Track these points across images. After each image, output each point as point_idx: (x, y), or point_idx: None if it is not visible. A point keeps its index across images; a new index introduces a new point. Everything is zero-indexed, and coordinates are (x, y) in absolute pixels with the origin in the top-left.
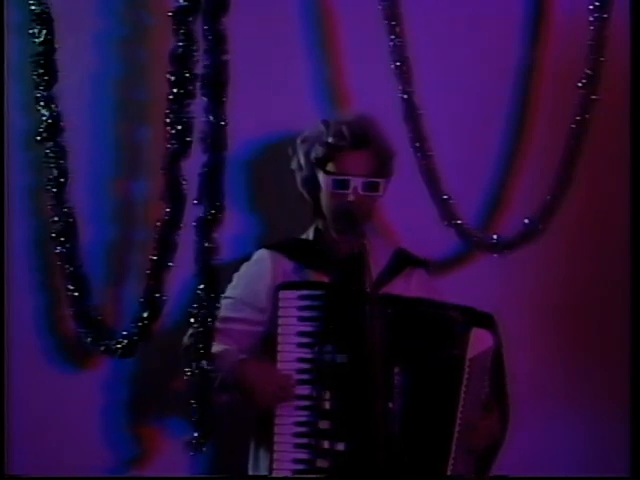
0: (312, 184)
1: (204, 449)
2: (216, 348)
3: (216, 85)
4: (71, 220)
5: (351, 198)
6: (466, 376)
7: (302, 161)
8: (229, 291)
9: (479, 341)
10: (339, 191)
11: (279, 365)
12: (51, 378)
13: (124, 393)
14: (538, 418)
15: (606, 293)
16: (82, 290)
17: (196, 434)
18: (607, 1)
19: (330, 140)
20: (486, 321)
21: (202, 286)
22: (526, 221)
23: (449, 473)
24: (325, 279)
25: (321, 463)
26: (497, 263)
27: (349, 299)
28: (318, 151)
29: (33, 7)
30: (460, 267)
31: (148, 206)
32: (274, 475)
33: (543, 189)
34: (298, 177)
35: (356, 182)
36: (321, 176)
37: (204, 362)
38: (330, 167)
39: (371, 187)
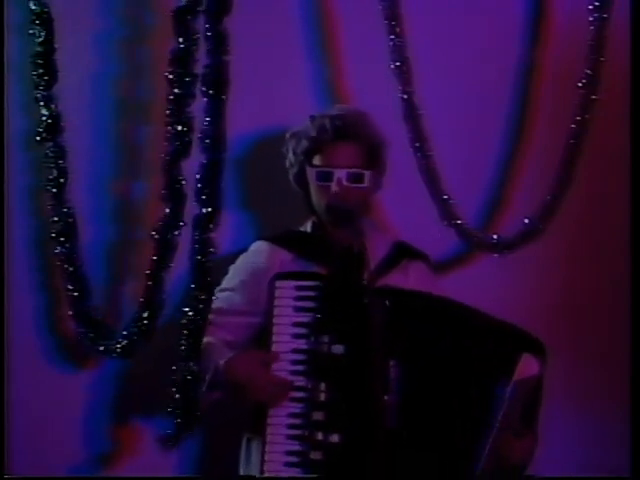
0: (302, 179)
1: (178, 445)
2: (209, 342)
3: (216, 85)
4: (71, 220)
5: (334, 189)
6: (507, 396)
7: (291, 157)
8: (225, 282)
9: (526, 366)
10: (323, 183)
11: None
12: (51, 378)
13: (124, 393)
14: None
15: (606, 293)
16: (82, 290)
17: (171, 430)
18: (607, 1)
19: (313, 133)
20: (536, 348)
21: (194, 285)
22: (526, 221)
23: None
24: (323, 271)
25: (314, 455)
26: (497, 263)
27: (345, 290)
28: (303, 145)
29: (33, 7)
30: (460, 267)
31: (148, 206)
32: (265, 468)
33: (543, 189)
34: (290, 174)
35: (340, 173)
36: (308, 170)
37: (191, 361)
38: (316, 160)
39: (356, 178)
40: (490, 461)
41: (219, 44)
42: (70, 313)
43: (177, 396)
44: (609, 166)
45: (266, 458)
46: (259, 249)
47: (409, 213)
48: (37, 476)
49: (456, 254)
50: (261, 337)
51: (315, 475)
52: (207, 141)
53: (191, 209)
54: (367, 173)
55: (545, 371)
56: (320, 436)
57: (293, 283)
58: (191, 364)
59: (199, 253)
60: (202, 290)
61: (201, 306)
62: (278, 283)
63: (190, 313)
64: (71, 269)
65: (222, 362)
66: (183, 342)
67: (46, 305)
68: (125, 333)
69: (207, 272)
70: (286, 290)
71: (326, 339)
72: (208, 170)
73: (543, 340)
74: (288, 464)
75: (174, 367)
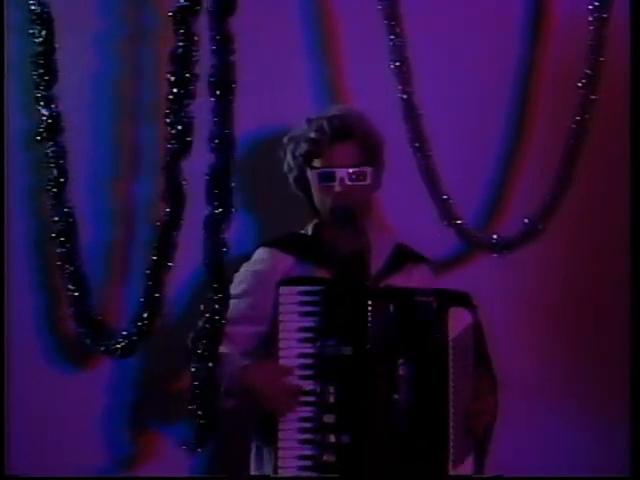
0: (303, 183)
1: (201, 449)
2: (223, 352)
3: (224, 86)
4: (71, 220)
5: (338, 189)
6: (451, 357)
7: (290, 161)
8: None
9: (458, 320)
10: (326, 184)
11: (281, 361)
12: (51, 378)
13: (123, 393)
14: (538, 418)
15: (606, 293)
16: (82, 290)
17: (194, 434)
18: (607, 1)
19: (312, 135)
20: (461, 299)
21: (211, 287)
22: (526, 221)
23: (451, 458)
24: (326, 274)
25: (327, 457)
26: (497, 263)
27: (348, 293)
28: (302, 148)
29: (33, 7)
30: (460, 267)
31: (148, 206)
32: (279, 473)
33: (543, 189)
34: (290, 178)
35: (341, 173)
36: (309, 173)
37: (210, 363)
38: (316, 162)
39: (357, 177)
40: (457, 426)
41: (226, 44)
42: (70, 313)
43: (197, 399)
44: (609, 166)
45: (279, 463)
46: (262, 256)
47: (409, 213)
48: (37, 476)
49: (456, 254)
50: (268, 345)
51: (328, 476)
52: (216, 141)
53: (192, 209)
54: (368, 170)
55: (478, 313)
56: (332, 438)
57: (297, 288)
58: (209, 365)
59: (212, 254)
60: (217, 291)
61: (217, 307)
62: (282, 289)
63: (206, 315)
64: (71, 269)
65: (238, 369)
66: (201, 344)
67: (46, 305)
68: (125, 333)
69: (221, 273)
70: (290, 296)
71: (332, 342)
72: (218, 170)
73: (543, 339)
74: (301, 468)
75: (192, 369)
